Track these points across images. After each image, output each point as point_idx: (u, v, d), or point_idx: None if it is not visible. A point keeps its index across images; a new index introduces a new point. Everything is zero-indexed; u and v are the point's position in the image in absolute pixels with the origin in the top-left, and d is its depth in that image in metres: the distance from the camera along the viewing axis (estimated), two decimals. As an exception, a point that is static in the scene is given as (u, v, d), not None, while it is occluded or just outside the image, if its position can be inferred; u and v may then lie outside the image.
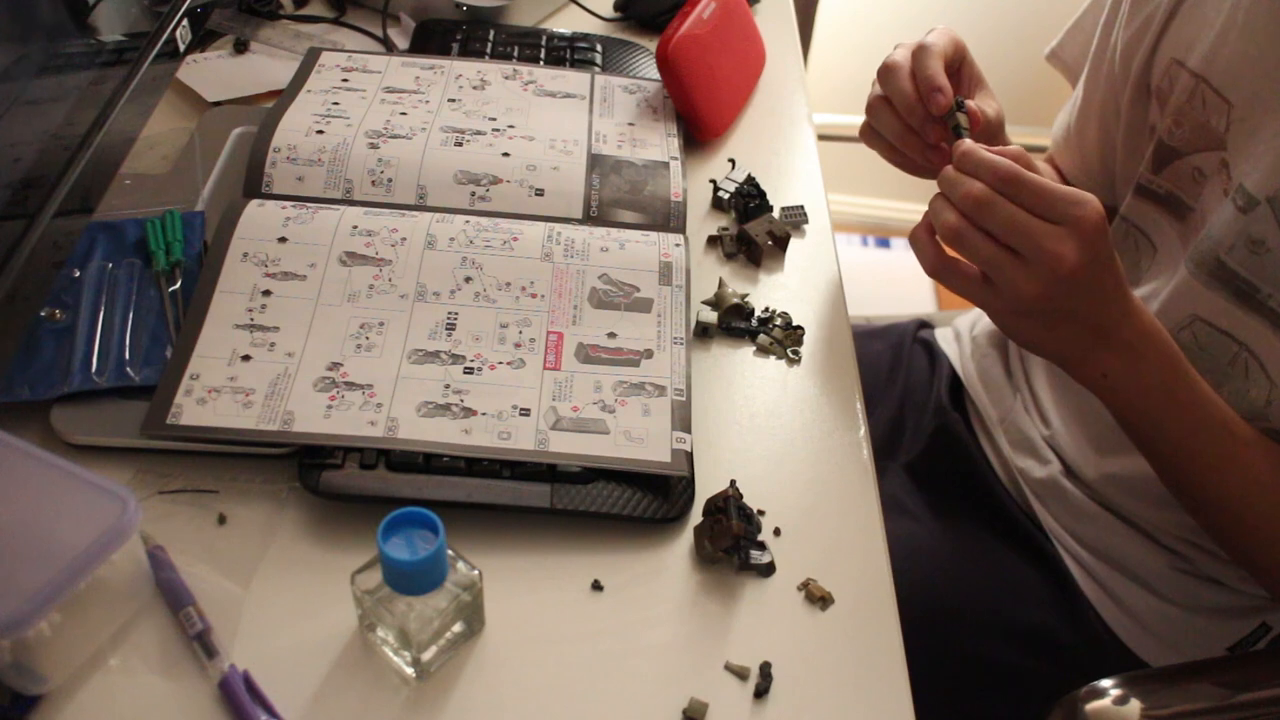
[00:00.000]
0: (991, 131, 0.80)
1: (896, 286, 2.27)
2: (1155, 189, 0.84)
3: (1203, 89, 0.78)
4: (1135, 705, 0.69)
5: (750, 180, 0.89)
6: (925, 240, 0.71)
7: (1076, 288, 0.65)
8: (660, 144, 0.91)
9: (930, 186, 0.72)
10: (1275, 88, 0.73)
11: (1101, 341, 0.69)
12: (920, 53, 0.76)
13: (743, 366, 0.77)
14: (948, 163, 0.69)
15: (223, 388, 0.67)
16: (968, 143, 0.69)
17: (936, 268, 0.71)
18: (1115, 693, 0.69)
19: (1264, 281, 0.74)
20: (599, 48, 1.03)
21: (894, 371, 1.08)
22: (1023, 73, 1.72)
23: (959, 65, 0.81)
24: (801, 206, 0.90)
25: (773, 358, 0.78)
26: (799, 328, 0.80)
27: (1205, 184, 0.79)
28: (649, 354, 0.73)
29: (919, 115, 0.76)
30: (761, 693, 0.59)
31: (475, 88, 0.94)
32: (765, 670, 0.59)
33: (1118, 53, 0.87)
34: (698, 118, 0.94)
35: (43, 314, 0.71)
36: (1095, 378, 0.71)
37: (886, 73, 0.78)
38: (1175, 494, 0.77)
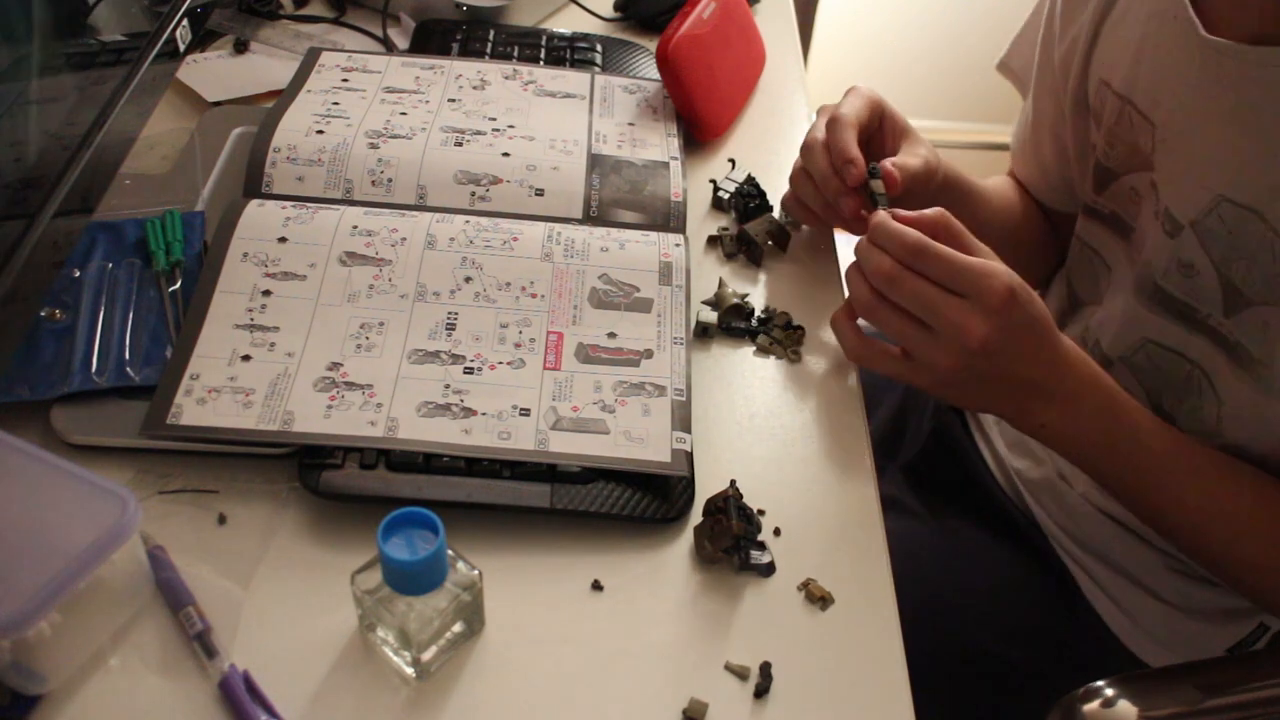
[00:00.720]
0: (922, 180, 0.80)
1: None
2: (1100, 209, 0.84)
3: (1129, 110, 0.78)
4: (1133, 706, 0.69)
5: (750, 180, 0.89)
6: (844, 325, 0.73)
7: (990, 356, 0.66)
8: (660, 144, 0.91)
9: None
10: (1189, 111, 0.73)
11: (1033, 396, 0.70)
12: (832, 125, 0.77)
13: (743, 366, 0.77)
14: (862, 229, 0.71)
15: (223, 388, 0.67)
16: (879, 215, 0.70)
17: (858, 353, 0.72)
18: (1112, 693, 0.69)
19: (1201, 303, 0.74)
20: (599, 48, 1.03)
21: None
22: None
23: (879, 123, 0.81)
24: (801, 206, 0.90)
25: (773, 358, 0.78)
26: (799, 328, 0.80)
27: (1141, 204, 0.79)
28: (649, 354, 0.73)
29: (833, 189, 0.77)
30: (761, 693, 0.59)
31: (475, 88, 0.94)
32: (765, 670, 0.59)
33: (1057, 67, 0.87)
34: (698, 118, 0.94)
35: (43, 314, 0.71)
36: (1034, 428, 0.72)
37: (806, 150, 0.80)
38: (1151, 527, 0.77)
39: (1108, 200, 0.83)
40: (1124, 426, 0.71)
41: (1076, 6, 0.83)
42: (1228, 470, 0.73)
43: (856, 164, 0.75)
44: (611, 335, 0.74)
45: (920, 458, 0.99)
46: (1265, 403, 0.72)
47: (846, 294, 0.73)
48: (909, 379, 0.71)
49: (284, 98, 0.89)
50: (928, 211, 0.69)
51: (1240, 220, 0.70)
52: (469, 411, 0.68)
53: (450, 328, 0.73)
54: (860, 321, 0.73)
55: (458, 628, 0.59)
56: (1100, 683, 0.70)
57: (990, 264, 0.66)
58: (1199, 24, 0.71)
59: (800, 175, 0.81)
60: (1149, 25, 0.76)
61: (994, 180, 0.98)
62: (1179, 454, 0.72)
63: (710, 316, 0.79)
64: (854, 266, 0.71)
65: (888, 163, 0.76)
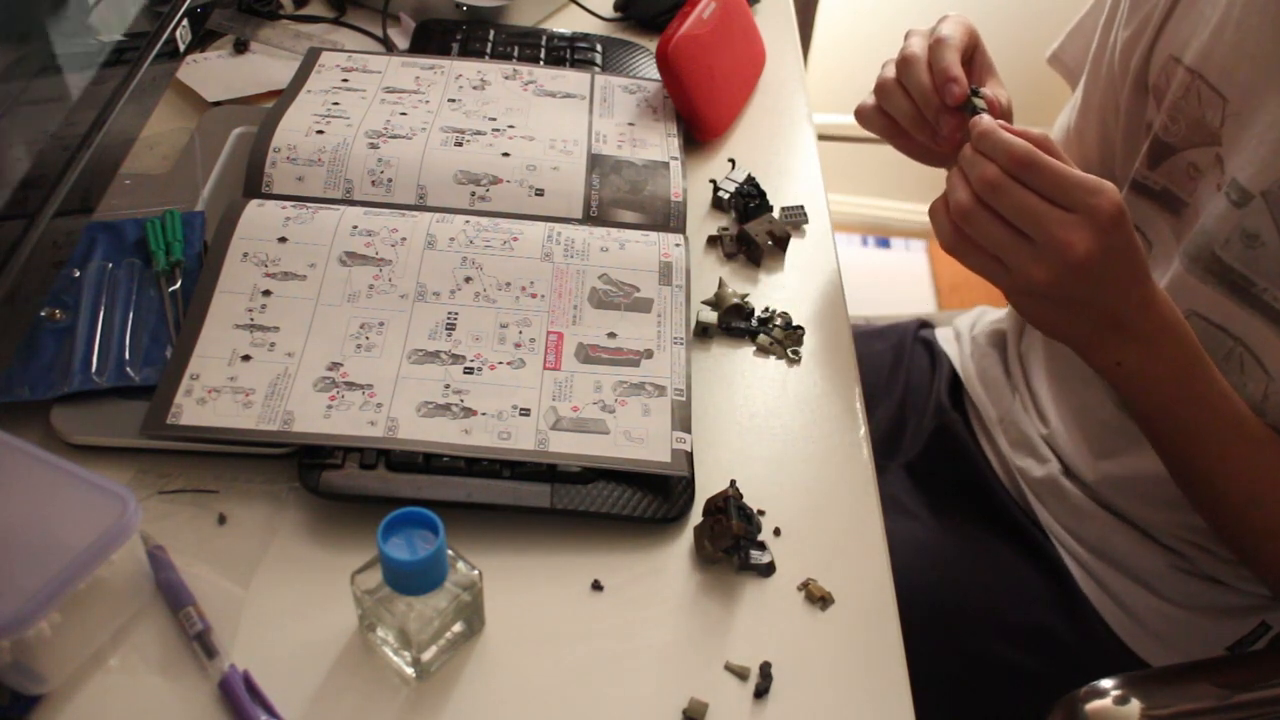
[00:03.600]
0: (1008, 117, 0.78)
1: (896, 286, 2.27)
2: (1150, 185, 0.84)
3: (1198, 84, 0.78)
4: (1135, 705, 0.69)
5: (750, 180, 0.89)
6: (943, 215, 0.71)
7: (1088, 277, 0.65)
8: (660, 144, 0.91)
9: (934, 180, 0.72)
10: (1270, 81, 0.73)
11: (1116, 331, 0.69)
12: (937, 45, 0.76)
13: (743, 366, 0.77)
14: (956, 151, 0.69)
15: (223, 388, 0.67)
16: (986, 120, 0.68)
17: (952, 244, 0.70)
18: (1115, 692, 0.69)
19: (1259, 275, 0.74)
20: (599, 48, 1.03)
21: (895, 371, 1.08)
22: (1023, 74, 1.72)
23: (972, 54, 0.80)
24: (801, 206, 0.90)
25: (773, 358, 0.78)
26: (799, 328, 0.80)
27: (1199, 179, 0.79)
28: (649, 354, 0.73)
29: (934, 106, 0.75)
30: (761, 693, 0.59)
31: (475, 88, 0.94)
32: (765, 670, 0.59)
33: (1117, 52, 0.87)
34: (698, 118, 0.94)
35: (43, 314, 0.71)
36: (1109, 365, 0.71)
37: (904, 65, 0.77)
38: (1180, 485, 0.77)
39: (1161, 176, 0.83)
40: (1196, 380, 0.71)
41: None
42: None
43: (960, 82, 0.74)
44: (611, 335, 0.74)
45: (921, 457, 0.99)
46: None
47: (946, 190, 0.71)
48: (997, 281, 0.69)
49: (284, 98, 0.89)
50: (1032, 130, 0.68)
51: None
52: (469, 411, 0.68)
53: (450, 328, 0.73)
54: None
55: (458, 628, 0.59)
56: (1102, 682, 0.70)
57: (1100, 181, 0.65)
58: None
59: (892, 85, 0.78)
60: (1232, 4, 0.76)
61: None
62: (1241, 422, 0.72)
63: (710, 316, 0.79)
64: (956, 171, 0.70)
65: (986, 91, 0.75)
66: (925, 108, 0.76)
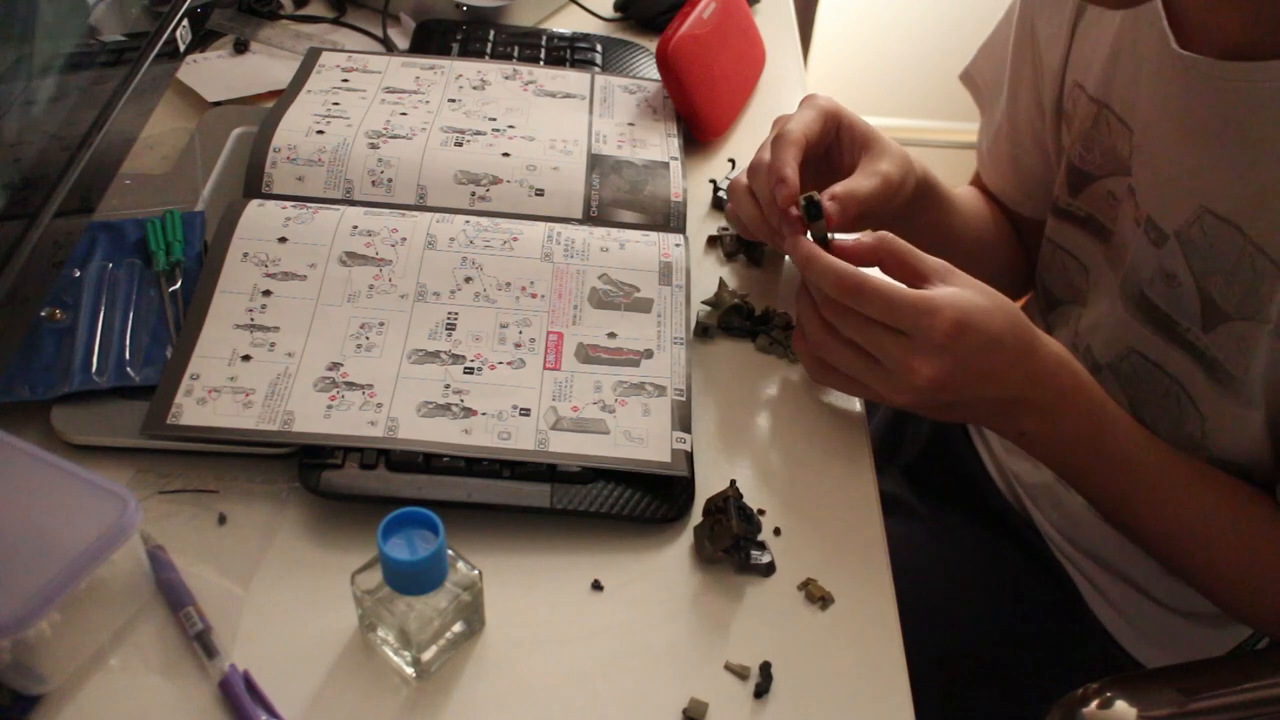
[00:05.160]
0: (882, 199, 0.73)
1: (896, 286, 2.26)
2: (1075, 211, 0.83)
3: (1105, 114, 0.77)
4: (1132, 706, 0.69)
5: (750, 180, 0.89)
6: (800, 344, 0.70)
7: (945, 389, 0.63)
8: (660, 144, 0.91)
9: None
10: (1167, 121, 0.72)
11: (1010, 408, 0.67)
12: (776, 142, 0.72)
13: (743, 366, 0.77)
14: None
15: (223, 388, 0.67)
16: (804, 246, 0.66)
17: (815, 374, 0.70)
18: (1112, 693, 0.69)
19: (1181, 315, 0.73)
20: (599, 48, 1.03)
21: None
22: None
23: (835, 134, 0.76)
24: (801, 206, 0.90)
25: (773, 357, 0.78)
26: (799, 328, 0.80)
27: (1118, 208, 0.78)
28: (649, 354, 0.73)
29: (775, 212, 0.71)
30: (761, 692, 0.59)
31: (475, 88, 0.94)
32: (765, 670, 0.59)
33: (1039, 73, 0.85)
34: (698, 118, 0.94)
35: (43, 314, 0.71)
36: (1014, 436, 0.70)
37: (752, 170, 0.74)
38: (1124, 535, 0.75)
39: (1083, 203, 0.82)
40: (1106, 436, 0.69)
41: (1053, 8, 0.82)
42: (1211, 482, 0.71)
43: (788, 184, 0.69)
44: (611, 335, 0.74)
45: (919, 459, 0.99)
46: (1246, 416, 0.70)
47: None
48: (873, 399, 0.69)
49: (284, 98, 0.89)
50: (865, 237, 0.66)
51: (1220, 232, 0.69)
52: (469, 411, 0.68)
53: (450, 328, 0.73)
54: None
55: (458, 628, 0.59)
56: (1099, 682, 0.70)
57: (933, 297, 0.62)
58: (1173, 38, 0.69)
59: (740, 190, 0.75)
60: (1123, 31, 0.75)
61: (960, 190, 0.96)
62: (1163, 465, 0.70)
63: (710, 317, 0.79)
64: (801, 297, 0.69)
65: (831, 191, 0.70)
66: (769, 214, 0.72)
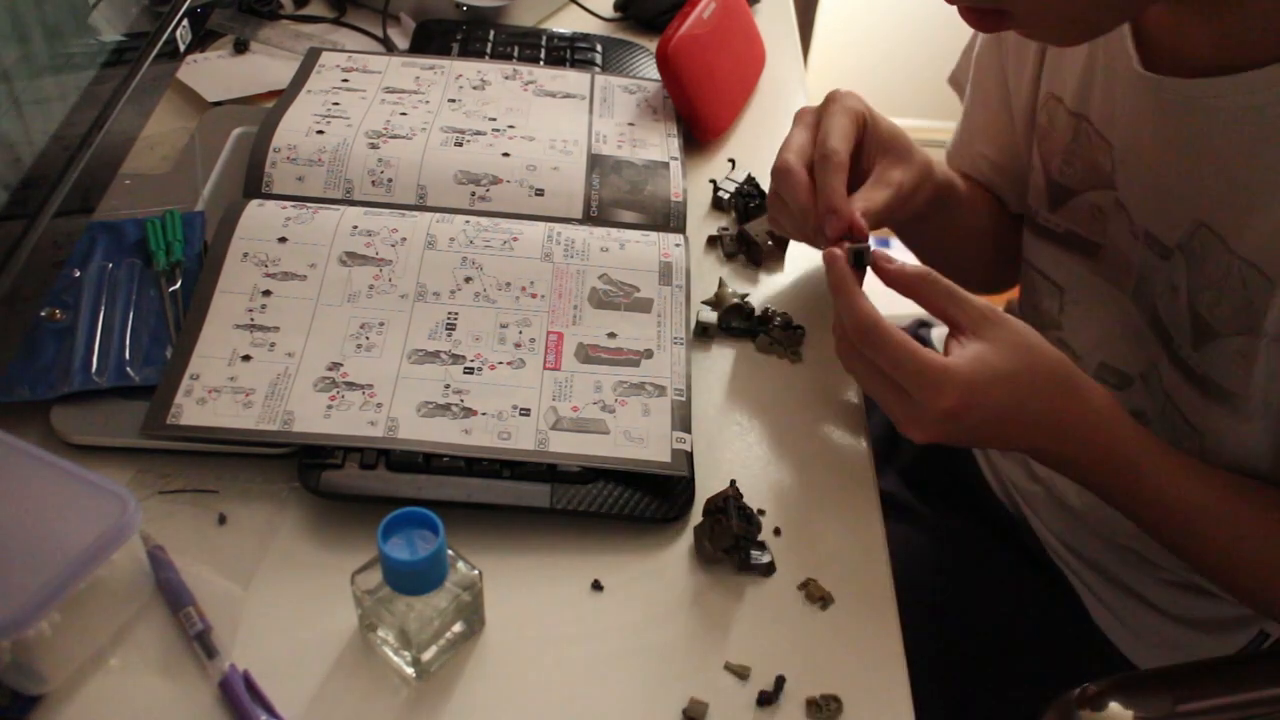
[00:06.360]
0: (896, 207, 0.73)
1: (896, 286, 2.26)
2: (1053, 228, 0.82)
3: (1085, 127, 0.76)
4: (1127, 708, 0.69)
5: (750, 180, 0.89)
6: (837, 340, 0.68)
7: (969, 423, 0.62)
8: (660, 144, 0.91)
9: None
10: (1145, 137, 0.71)
11: (1036, 454, 0.67)
12: (823, 164, 0.70)
13: (743, 366, 0.77)
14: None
15: (223, 388, 0.67)
16: (837, 275, 0.65)
17: (849, 370, 0.68)
18: (1108, 694, 0.69)
19: (1174, 329, 0.72)
20: (599, 48, 1.03)
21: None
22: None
23: (861, 138, 0.74)
24: (801, 206, 0.90)
25: (773, 358, 0.78)
26: (799, 328, 0.80)
27: (1107, 222, 0.77)
28: (649, 354, 0.73)
29: (811, 224, 0.71)
30: (768, 701, 0.58)
31: (475, 88, 0.94)
32: (779, 683, 0.59)
33: (1008, 82, 0.85)
34: (698, 118, 0.94)
35: (43, 314, 0.71)
36: (1052, 465, 0.69)
37: (781, 177, 0.72)
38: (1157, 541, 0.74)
39: (1062, 218, 0.80)
40: (1145, 489, 0.67)
41: None
42: (1244, 497, 0.69)
43: (840, 215, 0.68)
44: (611, 335, 0.74)
45: (916, 463, 0.99)
46: (1245, 429, 0.69)
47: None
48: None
49: (284, 98, 0.89)
50: (910, 269, 0.65)
51: (1209, 247, 0.68)
52: (469, 411, 0.68)
53: (450, 328, 0.73)
54: None
55: (458, 628, 0.59)
56: (1096, 683, 0.70)
57: (946, 367, 0.61)
58: (1136, 59, 0.69)
59: (777, 203, 0.75)
60: (1095, 47, 0.74)
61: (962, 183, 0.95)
62: (1205, 503, 0.67)
63: (710, 316, 0.79)
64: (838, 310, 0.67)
65: (857, 215, 0.69)
66: (804, 224, 0.72)
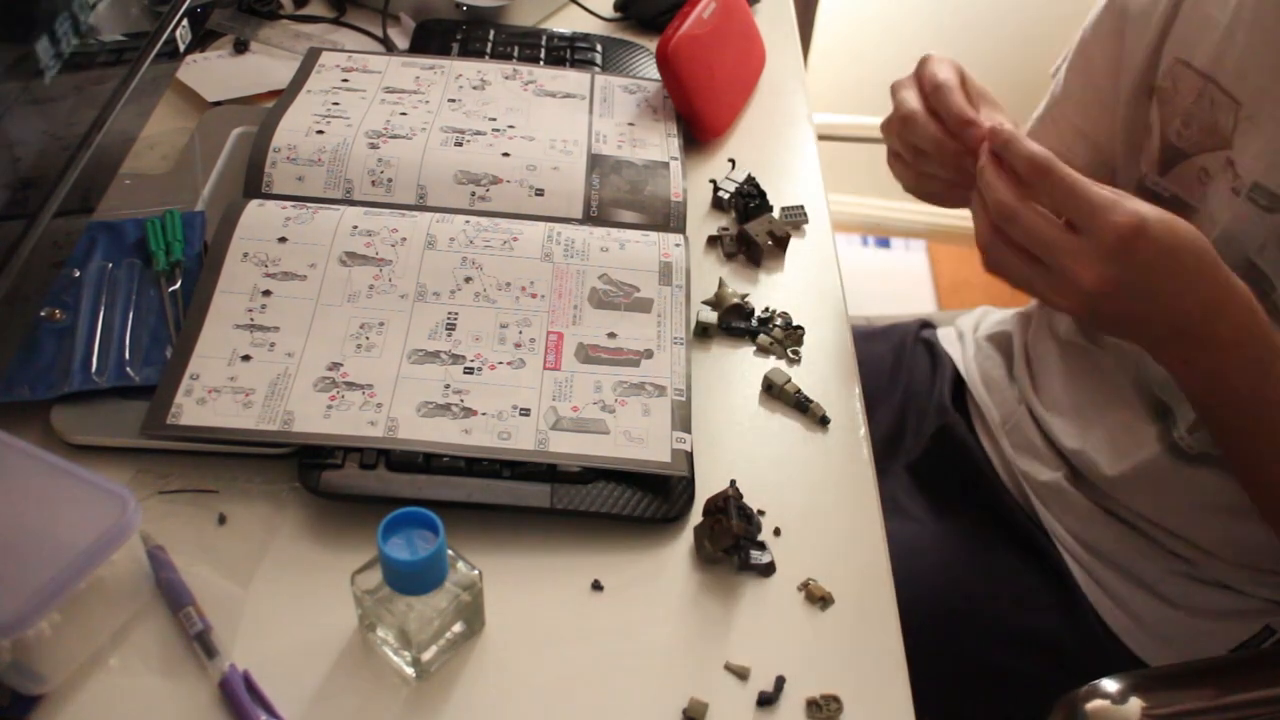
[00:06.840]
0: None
1: (897, 286, 2.27)
2: (1160, 192, 0.83)
3: (1211, 89, 0.78)
4: (1135, 704, 0.69)
5: (750, 180, 0.89)
6: (980, 247, 0.68)
7: (1112, 299, 0.62)
8: (660, 144, 0.91)
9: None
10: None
11: (1180, 337, 0.66)
12: (937, 92, 0.73)
13: (743, 366, 0.77)
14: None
15: (223, 388, 0.67)
16: (1008, 129, 0.66)
17: (991, 270, 0.68)
18: (1115, 691, 0.69)
19: (1277, 277, 0.73)
20: (599, 48, 1.03)
21: (896, 372, 1.08)
22: (1022, 73, 1.72)
23: (963, 87, 0.76)
24: (801, 206, 0.90)
25: (773, 358, 0.78)
26: (799, 328, 0.80)
27: (1209, 184, 0.78)
28: (649, 354, 0.73)
29: (952, 151, 0.72)
30: (768, 702, 0.58)
31: (475, 88, 0.94)
32: (779, 684, 0.59)
33: (1121, 58, 0.85)
34: (698, 118, 0.94)
35: (43, 314, 0.71)
36: (1177, 364, 0.68)
37: (908, 123, 0.74)
38: (1244, 481, 0.74)
39: (1171, 182, 0.82)
40: (1273, 382, 0.66)
41: None
42: None
43: (976, 124, 0.70)
44: (611, 335, 0.74)
45: (923, 459, 0.99)
46: None
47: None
48: (1040, 300, 0.67)
49: (284, 98, 0.89)
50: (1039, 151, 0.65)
51: None
52: (469, 411, 0.68)
53: (450, 328, 0.73)
54: None
55: (458, 628, 0.59)
56: (1102, 681, 0.70)
57: (1118, 196, 0.61)
58: None
59: (905, 155, 0.76)
60: (1242, 9, 0.75)
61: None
62: None
63: (710, 316, 0.79)
64: (976, 198, 0.68)
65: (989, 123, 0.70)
66: (944, 159, 0.73)
